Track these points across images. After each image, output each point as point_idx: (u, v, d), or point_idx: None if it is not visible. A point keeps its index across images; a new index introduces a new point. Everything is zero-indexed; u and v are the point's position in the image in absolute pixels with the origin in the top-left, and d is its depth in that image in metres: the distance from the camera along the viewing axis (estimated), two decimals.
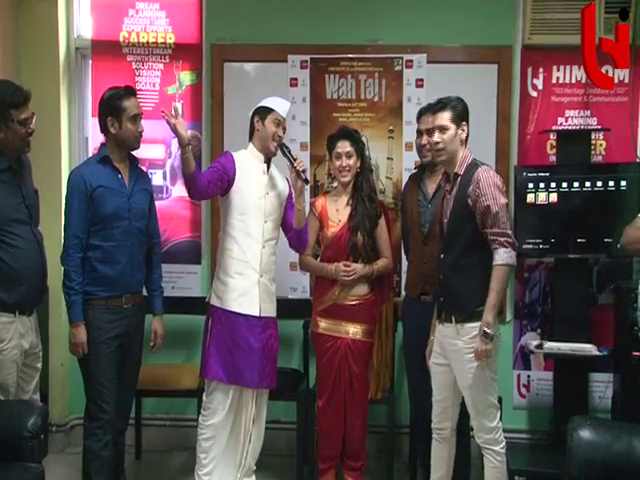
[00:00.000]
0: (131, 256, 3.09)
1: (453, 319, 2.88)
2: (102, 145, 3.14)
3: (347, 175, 3.30)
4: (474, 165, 2.89)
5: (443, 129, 2.88)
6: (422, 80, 3.92)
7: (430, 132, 3.03)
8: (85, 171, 3.06)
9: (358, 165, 3.33)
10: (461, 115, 2.91)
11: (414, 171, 3.63)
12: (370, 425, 3.51)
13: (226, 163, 3.14)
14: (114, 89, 3.10)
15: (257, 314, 3.14)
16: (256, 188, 3.16)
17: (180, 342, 3.95)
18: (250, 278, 3.14)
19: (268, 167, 3.24)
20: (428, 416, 3.08)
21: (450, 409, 3.00)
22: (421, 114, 3.36)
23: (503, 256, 2.76)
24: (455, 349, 2.88)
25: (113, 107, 3.03)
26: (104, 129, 3.09)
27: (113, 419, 3.07)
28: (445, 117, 2.89)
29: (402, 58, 3.92)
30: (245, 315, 3.12)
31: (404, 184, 3.62)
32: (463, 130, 2.91)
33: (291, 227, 3.26)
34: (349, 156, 3.29)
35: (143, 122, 3.15)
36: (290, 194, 3.28)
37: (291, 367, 3.94)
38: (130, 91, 3.10)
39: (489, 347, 2.77)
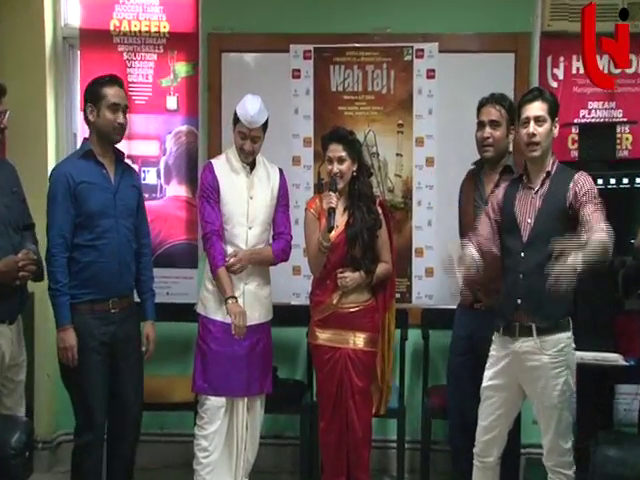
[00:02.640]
0: (118, 257, 3.02)
1: (534, 331, 2.69)
2: (85, 140, 3.11)
3: (340, 182, 3.17)
4: (565, 167, 2.80)
5: (540, 120, 2.71)
6: (433, 71, 3.84)
7: (494, 124, 3.04)
8: (67, 167, 3.03)
9: (354, 169, 3.20)
10: (555, 110, 2.78)
11: (472, 167, 3.41)
12: (376, 440, 3.42)
13: (206, 179, 3.18)
14: (99, 77, 3.06)
15: None
16: (238, 193, 3.17)
17: (176, 352, 3.85)
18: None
19: (253, 167, 3.20)
20: (471, 433, 2.93)
21: (499, 438, 2.85)
22: (482, 105, 3.20)
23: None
24: (538, 365, 2.70)
25: (93, 93, 3.00)
26: (86, 119, 3.05)
27: (103, 434, 3.01)
28: (542, 108, 2.73)
29: (412, 47, 3.85)
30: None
31: (461, 181, 3.42)
32: (556, 127, 2.79)
33: (279, 233, 3.27)
34: (341, 161, 3.16)
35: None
36: (284, 193, 3.27)
37: (294, 378, 3.86)
38: (114, 79, 3.05)
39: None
